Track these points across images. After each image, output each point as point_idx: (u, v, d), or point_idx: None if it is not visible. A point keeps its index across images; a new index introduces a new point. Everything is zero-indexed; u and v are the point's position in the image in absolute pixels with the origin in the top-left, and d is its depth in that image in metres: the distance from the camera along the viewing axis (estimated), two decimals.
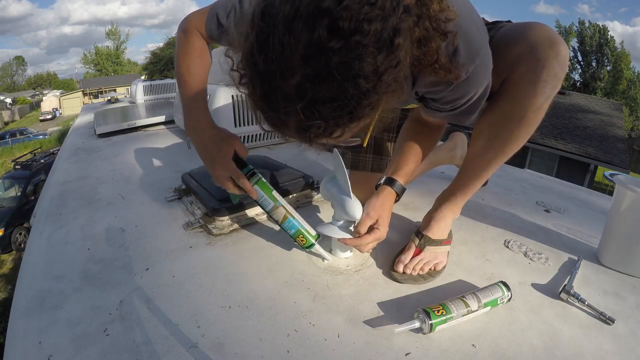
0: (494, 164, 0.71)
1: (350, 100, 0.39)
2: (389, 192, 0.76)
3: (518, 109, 0.63)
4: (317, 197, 1.08)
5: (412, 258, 0.74)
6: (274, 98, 0.40)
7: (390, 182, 0.77)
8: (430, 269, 0.74)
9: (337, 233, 0.75)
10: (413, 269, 0.72)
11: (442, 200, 0.82)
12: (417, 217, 0.99)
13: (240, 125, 1.58)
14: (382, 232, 0.72)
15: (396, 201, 0.78)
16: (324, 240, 0.79)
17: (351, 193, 0.73)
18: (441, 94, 0.61)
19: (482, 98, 0.62)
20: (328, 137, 0.44)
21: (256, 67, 0.40)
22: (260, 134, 1.67)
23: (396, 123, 1.03)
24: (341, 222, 0.76)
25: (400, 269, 0.73)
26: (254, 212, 0.97)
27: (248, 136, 1.64)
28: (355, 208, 0.73)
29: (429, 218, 0.82)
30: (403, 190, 0.78)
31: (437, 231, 0.79)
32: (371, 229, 0.72)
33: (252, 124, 1.61)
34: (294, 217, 0.76)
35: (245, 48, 0.41)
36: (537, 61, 0.58)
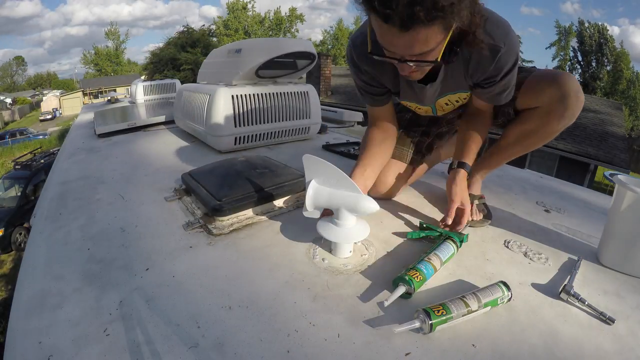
0: (516, 153, 1.02)
1: None
2: (463, 174, 0.92)
3: (544, 129, 0.92)
4: None
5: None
6: None
7: (462, 165, 0.94)
8: (482, 214, 0.98)
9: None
10: (476, 215, 0.96)
11: (475, 171, 1.07)
12: (417, 217, 1.00)
13: (240, 125, 1.57)
14: (468, 209, 0.88)
15: None
16: (327, 240, 0.78)
17: (358, 188, 0.74)
18: (488, 68, 0.80)
19: (513, 77, 0.84)
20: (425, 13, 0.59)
21: None
22: (260, 134, 1.66)
23: (425, 121, 1.16)
24: (347, 220, 0.76)
25: (471, 218, 0.94)
26: (254, 212, 0.97)
27: (248, 136, 1.62)
28: (371, 202, 0.74)
29: (469, 183, 1.03)
30: (470, 170, 0.95)
31: (477, 189, 1.07)
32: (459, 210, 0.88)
33: (252, 124, 1.61)
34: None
35: None
36: (565, 105, 0.85)
